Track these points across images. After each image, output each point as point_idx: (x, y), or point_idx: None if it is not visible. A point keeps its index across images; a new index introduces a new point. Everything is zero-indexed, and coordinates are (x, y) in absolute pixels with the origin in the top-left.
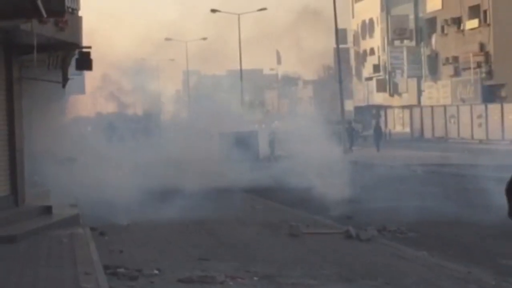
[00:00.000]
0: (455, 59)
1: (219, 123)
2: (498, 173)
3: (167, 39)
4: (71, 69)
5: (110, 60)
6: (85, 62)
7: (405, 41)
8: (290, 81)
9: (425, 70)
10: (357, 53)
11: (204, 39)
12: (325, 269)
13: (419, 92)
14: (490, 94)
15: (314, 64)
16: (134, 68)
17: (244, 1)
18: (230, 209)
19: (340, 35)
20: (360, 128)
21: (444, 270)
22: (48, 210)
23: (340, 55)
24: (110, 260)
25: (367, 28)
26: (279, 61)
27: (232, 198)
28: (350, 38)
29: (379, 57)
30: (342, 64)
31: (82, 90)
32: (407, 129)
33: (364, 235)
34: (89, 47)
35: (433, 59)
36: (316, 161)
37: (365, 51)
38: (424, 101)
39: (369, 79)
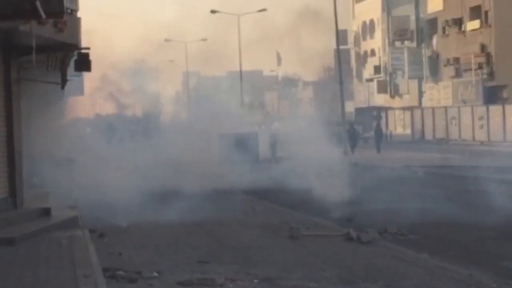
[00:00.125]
0: (456, 60)
1: (219, 125)
2: (499, 175)
3: (166, 40)
4: (70, 70)
5: (109, 61)
6: (84, 63)
7: (406, 42)
8: (290, 82)
9: (426, 71)
10: (357, 54)
11: (204, 40)
12: (325, 271)
13: (420, 93)
14: (492, 96)
15: (314, 65)
16: (133, 69)
17: (244, 2)
18: (230, 210)
19: (340, 36)
20: (361, 129)
21: (445, 272)
22: (47, 212)
23: (341, 56)
24: (109, 262)
25: (368, 29)
26: (279, 62)
27: (232, 199)
28: (350, 39)
29: (379, 58)
30: (342, 65)
31: (81, 92)
32: (408, 131)
33: (365, 237)
34: (88, 48)
35: (434, 60)
36: (317, 163)
37: (365, 52)
38: (425, 102)
39: (370, 80)
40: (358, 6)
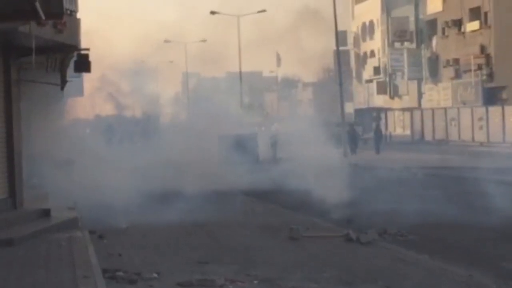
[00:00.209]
0: (456, 61)
1: (218, 126)
2: (499, 176)
3: (166, 41)
4: (70, 71)
5: (109, 62)
6: (83, 64)
7: (406, 43)
8: (289, 83)
9: (425, 72)
10: (357, 55)
11: (204, 41)
12: (325, 272)
13: (420, 94)
14: (491, 97)
15: (314, 66)
16: (133, 69)
17: (243, 3)
18: (230, 211)
19: (340, 37)
20: (360, 130)
21: (445, 273)
22: (46, 213)
23: (340, 57)
24: (109, 263)
25: (367, 30)
26: (278, 63)
27: (232, 200)
28: (350, 40)
29: (379, 59)
30: (342, 66)
31: (80, 93)
32: (408, 132)
33: (364, 238)
34: (88, 49)
35: (434, 61)
36: (316, 164)
37: (365, 53)
38: (425, 103)
39: (370, 81)
40: (357, 7)
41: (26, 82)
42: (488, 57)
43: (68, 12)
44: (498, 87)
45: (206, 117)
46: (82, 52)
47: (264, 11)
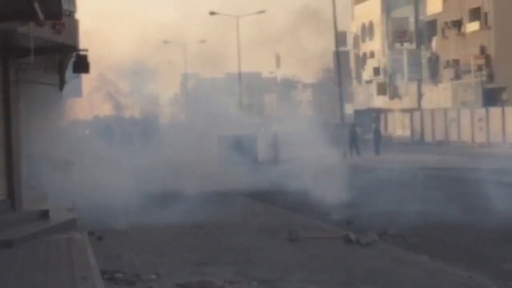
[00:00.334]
0: (456, 62)
1: (217, 126)
2: (499, 177)
3: (165, 41)
4: (69, 72)
5: (108, 62)
6: (82, 65)
7: (405, 44)
8: (289, 84)
9: (425, 73)
10: (357, 56)
11: (203, 41)
12: (324, 273)
13: (420, 95)
14: (491, 98)
15: (314, 67)
16: (132, 70)
17: (243, 3)
18: (230, 212)
19: (340, 37)
20: (360, 131)
21: (445, 274)
22: (45, 214)
23: (340, 58)
24: (107, 264)
25: (367, 30)
26: (278, 64)
27: (231, 201)
28: (350, 41)
29: (379, 60)
30: (342, 67)
31: (79, 93)
32: (408, 133)
33: (364, 240)
34: (86, 50)
35: (434, 62)
36: (316, 165)
37: (365, 54)
38: (425, 104)
39: (369, 82)
40: (357, 8)
41: (25, 83)
42: (488, 58)
43: (67, 13)
44: (498, 88)
45: (205, 117)
46: (81, 53)
47: (263, 12)
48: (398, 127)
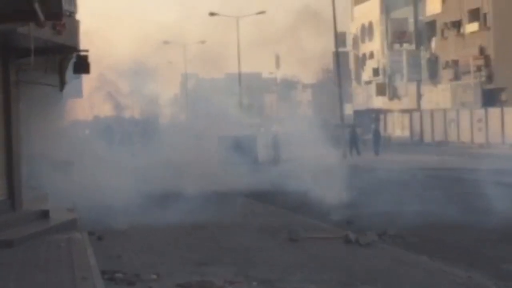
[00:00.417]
0: (455, 62)
1: (217, 127)
2: (498, 177)
3: (165, 42)
4: (69, 72)
5: (108, 62)
6: (82, 66)
7: (405, 45)
8: (289, 84)
9: (424, 74)
10: (356, 57)
11: (203, 42)
12: (324, 273)
13: (419, 96)
14: (490, 98)
15: (313, 68)
16: (132, 70)
17: (243, 4)
18: (230, 213)
19: (339, 38)
20: (360, 132)
21: (444, 274)
22: (45, 214)
23: (340, 58)
24: (107, 265)
25: (367, 31)
26: (278, 65)
27: (231, 202)
28: (349, 42)
29: (378, 60)
30: (341, 68)
31: (80, 94)
32: (407, 133)
33: (364, 240)
34: (87, 51)
35: (433, 62)
36: (316, 165)
37: (364, 54)
38: (424, 105)
39: (369, 82)
40: (357, 9)
41: (25, 83)
42: (487, 58)
43: (67, 13)
44: (497, 89)
45: (205, 118)
46: (81, 53)
47: (263, 12)
48: (397, 127)
